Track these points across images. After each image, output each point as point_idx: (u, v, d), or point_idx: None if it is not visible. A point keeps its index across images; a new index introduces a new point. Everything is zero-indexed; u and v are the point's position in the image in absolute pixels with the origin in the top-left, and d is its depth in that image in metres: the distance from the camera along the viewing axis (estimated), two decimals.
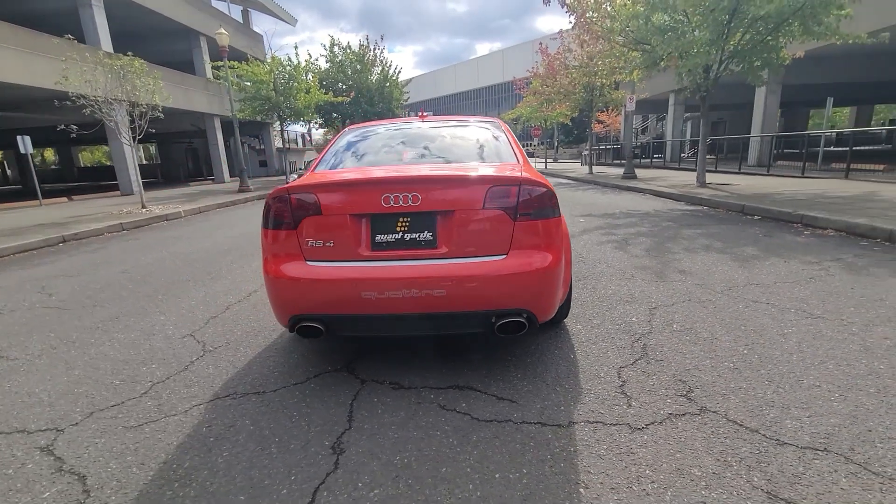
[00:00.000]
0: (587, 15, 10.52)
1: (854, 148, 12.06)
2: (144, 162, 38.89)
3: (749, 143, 16.76)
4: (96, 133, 13.04)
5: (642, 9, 9.77)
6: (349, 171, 2.53)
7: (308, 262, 2.19)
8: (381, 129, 3.17)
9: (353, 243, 2.15)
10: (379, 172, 2.32)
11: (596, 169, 20.91)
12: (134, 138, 10.47)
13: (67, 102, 9.77)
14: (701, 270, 4.22)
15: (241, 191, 15.42)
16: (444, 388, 2.31)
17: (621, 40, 10.29)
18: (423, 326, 2.28)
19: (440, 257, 2.13)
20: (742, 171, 14.41)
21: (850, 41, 8.52)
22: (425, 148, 2.86)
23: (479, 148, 2.87)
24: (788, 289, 3.61)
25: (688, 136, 25.39)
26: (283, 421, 2.09)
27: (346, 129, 3.32)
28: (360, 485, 1.67)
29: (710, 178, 11.54)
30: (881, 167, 12.22)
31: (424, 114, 3.33)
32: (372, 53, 24.33)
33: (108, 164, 37.37)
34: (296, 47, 24.70)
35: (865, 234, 5.32)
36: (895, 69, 16.60)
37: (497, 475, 1.68)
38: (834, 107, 15.25)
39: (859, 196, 7.82)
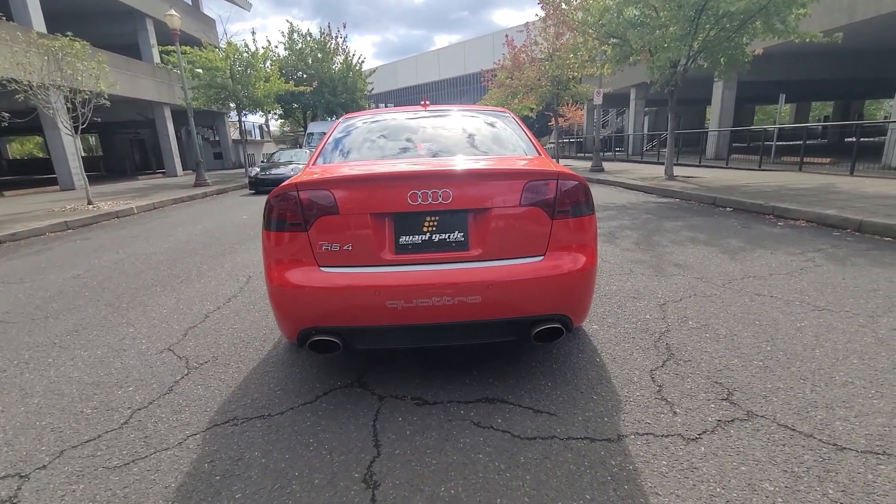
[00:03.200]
0: (561, 7, 10.48)
1: (806, 142, 12.72)
2: (84, 154, 35.98)
3: (707, 137, 17.43)
4: (30, 122, 11.84)
5: (612, 3, 9.85)
6: (364, 163, 2.25)
7: (322, 269, 1.92)
8: (385, 119, 2.89)
9: (375, 246, 1.90)
10: (403, 166, 2.07)
11: (562, 162, 21.20)
12: (76, 128, 9.53)
13: None
14: (695, 263, 4.23)
15: (197, 185, 14.45)
16: (472, 402, 2.11)
17: (594, 33, 10.32)
18: (454, 336, 2.07)
19: (473, 260, 1.92)
20: (702, 164, 14.94)
21: (808, 39, 8.91)
22: (439, 139, 2.61)
23: (497, 139, 2.65)
24: (785, 280, 3.65)
25: (645, 131, 26.15)
26: (298, 450, 1.83)
27: (344, 117, 3.02)
28: None
29: (675, 170, 11.87)
30: (828, 160, 13.01)
31: (427, 103, 3.08)
32: (334, 42, 23.53)
33: (42, 156, 34.39)
34: (253, 32, 23.46)
35: (836, 225, 5.55)
36: (831, 68, 17.75)
37: None
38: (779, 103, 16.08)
39: (819, 188, 8.22)
